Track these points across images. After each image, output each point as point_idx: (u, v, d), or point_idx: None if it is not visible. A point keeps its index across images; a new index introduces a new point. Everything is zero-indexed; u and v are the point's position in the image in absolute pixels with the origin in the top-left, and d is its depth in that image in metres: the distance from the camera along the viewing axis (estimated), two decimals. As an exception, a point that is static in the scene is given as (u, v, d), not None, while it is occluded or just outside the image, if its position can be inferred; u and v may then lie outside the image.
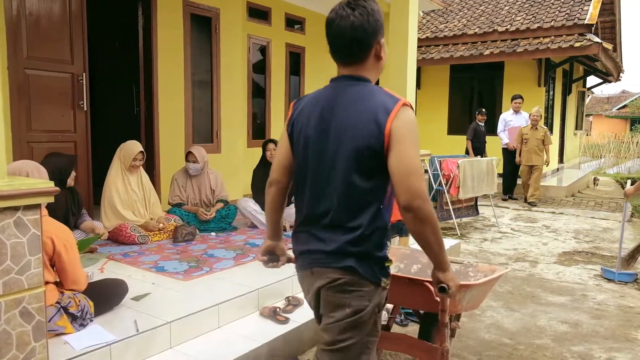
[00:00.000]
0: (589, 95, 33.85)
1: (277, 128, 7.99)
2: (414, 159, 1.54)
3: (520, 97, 9.20)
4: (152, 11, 5.26)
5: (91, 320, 2.57)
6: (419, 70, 12.10)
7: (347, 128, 1.61)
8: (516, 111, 9.16)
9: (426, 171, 7.12)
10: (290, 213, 4.98)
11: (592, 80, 16.34)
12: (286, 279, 3.49)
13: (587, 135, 26.11)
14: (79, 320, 2.49)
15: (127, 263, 3.71)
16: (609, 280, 4.80)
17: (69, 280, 2.50)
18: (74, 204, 3.77)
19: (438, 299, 2.14)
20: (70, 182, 3.67)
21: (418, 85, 12.23)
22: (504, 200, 9.18)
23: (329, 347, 1.67)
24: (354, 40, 1.62)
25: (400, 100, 1.60)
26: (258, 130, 7.75)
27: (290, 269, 3.84)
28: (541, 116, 8.64)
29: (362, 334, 1.65)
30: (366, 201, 1.61)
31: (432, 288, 2.04)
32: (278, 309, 3.21)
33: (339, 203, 1.62)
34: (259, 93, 7.70)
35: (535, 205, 8.67)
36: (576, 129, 14.72)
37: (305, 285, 1.78)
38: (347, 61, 1.68)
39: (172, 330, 2.67)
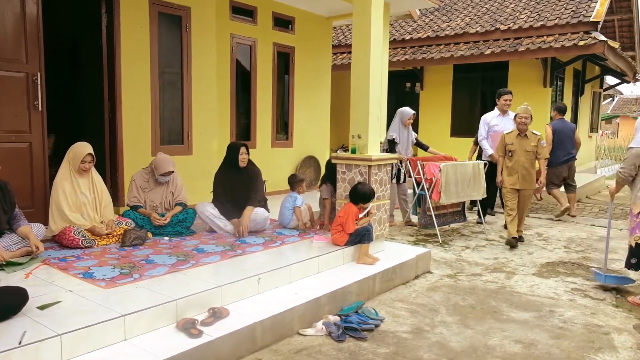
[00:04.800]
0: (616, 96, 32.66)
1: (264, 128, 7.84)
2: (579, 136, 8.22)
3: (510, 92, 7.04)
4: (115, 10, 5.17)
5: (-24, 331, 2.46)
6: (421, 70, 11.79)
7: (570, 130, 7.81)
8: (503, 111, 7.05)
9: (401, 171, 6.85)
10: (257, 221, 4.83)
11: (614, 81, 15.66)
12: (214, 289, 3.32)
13: (615, 137, 25.10)
14: (-41, 331, 2.38)
15: (59, 268, 3.60)
16: (600, 284, 4.56)
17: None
18: (5, 201, 3.69)
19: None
20: None
21: (421, 85, 11.92)
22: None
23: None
24: (565, 110, 8.20)
25: (574, 126, 8.29)
26: (242, 131, 7.61)
27: (220, 277, 3.57)
28: (531, 118, 6.03)
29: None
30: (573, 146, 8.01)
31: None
32: (196, 321, 3.03)
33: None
34: (244, 93, 7.57)
35: (522, 241, 6.27)
36: (591, 131, 14.13)
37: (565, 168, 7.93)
38: (562, 114, 7.92)
39: (63, 343, 2.53)
